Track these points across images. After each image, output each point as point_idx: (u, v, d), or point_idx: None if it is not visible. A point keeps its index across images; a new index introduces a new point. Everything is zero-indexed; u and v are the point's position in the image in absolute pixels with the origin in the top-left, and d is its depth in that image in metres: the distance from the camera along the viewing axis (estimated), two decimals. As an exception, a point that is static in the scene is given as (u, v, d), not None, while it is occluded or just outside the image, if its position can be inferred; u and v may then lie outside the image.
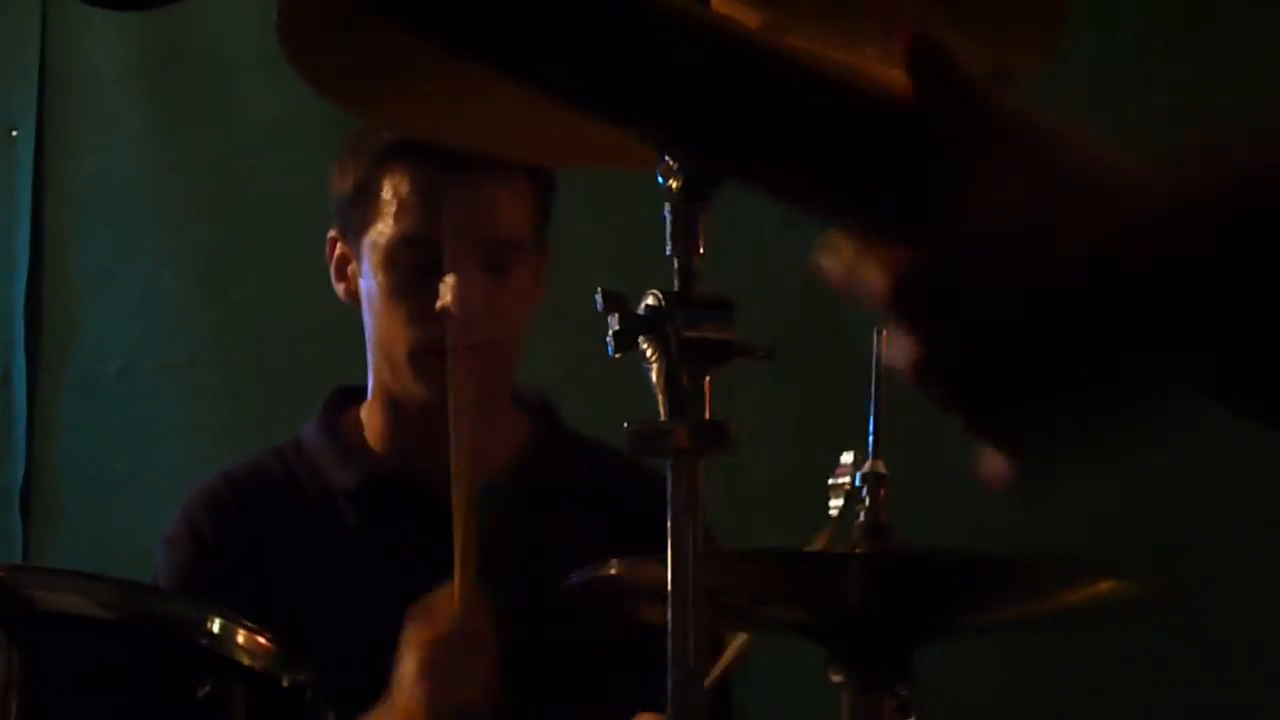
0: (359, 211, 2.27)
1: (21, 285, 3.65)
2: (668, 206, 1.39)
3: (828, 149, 0.89)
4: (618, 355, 1.36)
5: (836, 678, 1.74)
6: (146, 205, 3.62)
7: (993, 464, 0.90)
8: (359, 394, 2.37)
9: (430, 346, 2.22)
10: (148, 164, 3.62)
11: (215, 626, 1.49)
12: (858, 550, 1.74)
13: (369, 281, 2.27)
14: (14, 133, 3.70)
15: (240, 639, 1.49)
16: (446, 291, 2.18)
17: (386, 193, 2.24)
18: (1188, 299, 0.84)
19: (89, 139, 3.69)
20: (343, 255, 2.32)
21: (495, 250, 2.24)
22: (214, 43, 3.59)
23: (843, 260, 0.89)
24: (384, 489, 2.30)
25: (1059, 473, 0.90)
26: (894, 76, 0.90)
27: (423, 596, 2.11)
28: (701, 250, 1.37)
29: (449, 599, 2.08)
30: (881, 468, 1.79)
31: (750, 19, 1.54)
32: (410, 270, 2.23)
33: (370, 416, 2.35)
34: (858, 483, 1.79)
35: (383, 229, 2.24)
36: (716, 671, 2.05)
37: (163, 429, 3.54)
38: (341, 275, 2.33)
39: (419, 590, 2.14)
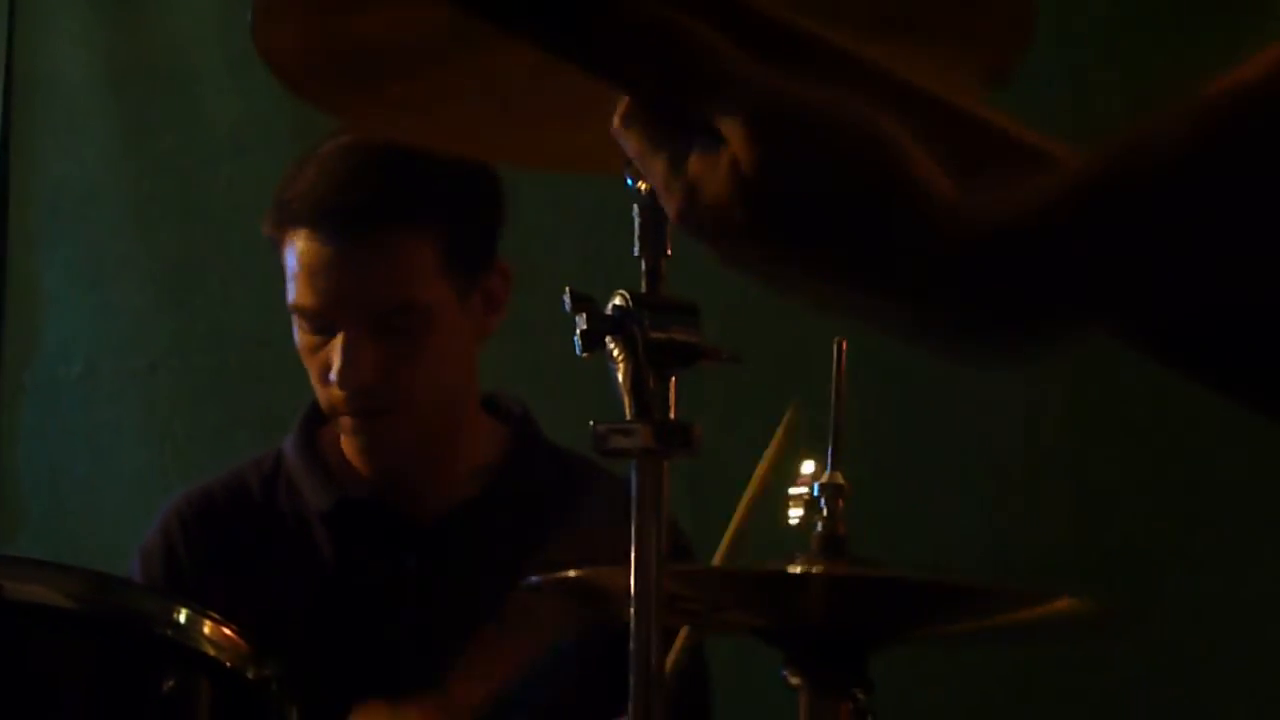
0: (279, 258, 2.25)
1: (-16, 288, 3.64)
2: (636, 208, 1.40)
3: None
4: (585, 355, 1.36)
5: (794, 680, 1.75)
6: (110, 211, 3.61)
7: None
8: None
9: (336, 409, 2.23)
10: (112, 169, 3.61)
11: (181, 618, 1.49)
12: (815, 568, 1.75)
13: None
14: (-22, 137, 3.69)
15: (206, 630, 1.49)
16: (333, 362, 2.18)
17: (288, 254, 2.21)
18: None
19: (54, 144, 3.67)
20: None
21: (388, 318, 2.18)
22: (179, 49, 3.58)
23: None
24: (357, 512, 2.30)
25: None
26: None
27: (389, 621, 2.13)
28: (670, 252, 1.38)
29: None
30: (840, 479, 1.80)
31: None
32: (310, 335, 2.22)
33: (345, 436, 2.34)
34: (816, 493, 1.79)
35: (289, 289, 2.22)
36: (670, 662, 2.06)
37: (124, 434, 3.53)
38: None
39: (387, 613, 2.16)
